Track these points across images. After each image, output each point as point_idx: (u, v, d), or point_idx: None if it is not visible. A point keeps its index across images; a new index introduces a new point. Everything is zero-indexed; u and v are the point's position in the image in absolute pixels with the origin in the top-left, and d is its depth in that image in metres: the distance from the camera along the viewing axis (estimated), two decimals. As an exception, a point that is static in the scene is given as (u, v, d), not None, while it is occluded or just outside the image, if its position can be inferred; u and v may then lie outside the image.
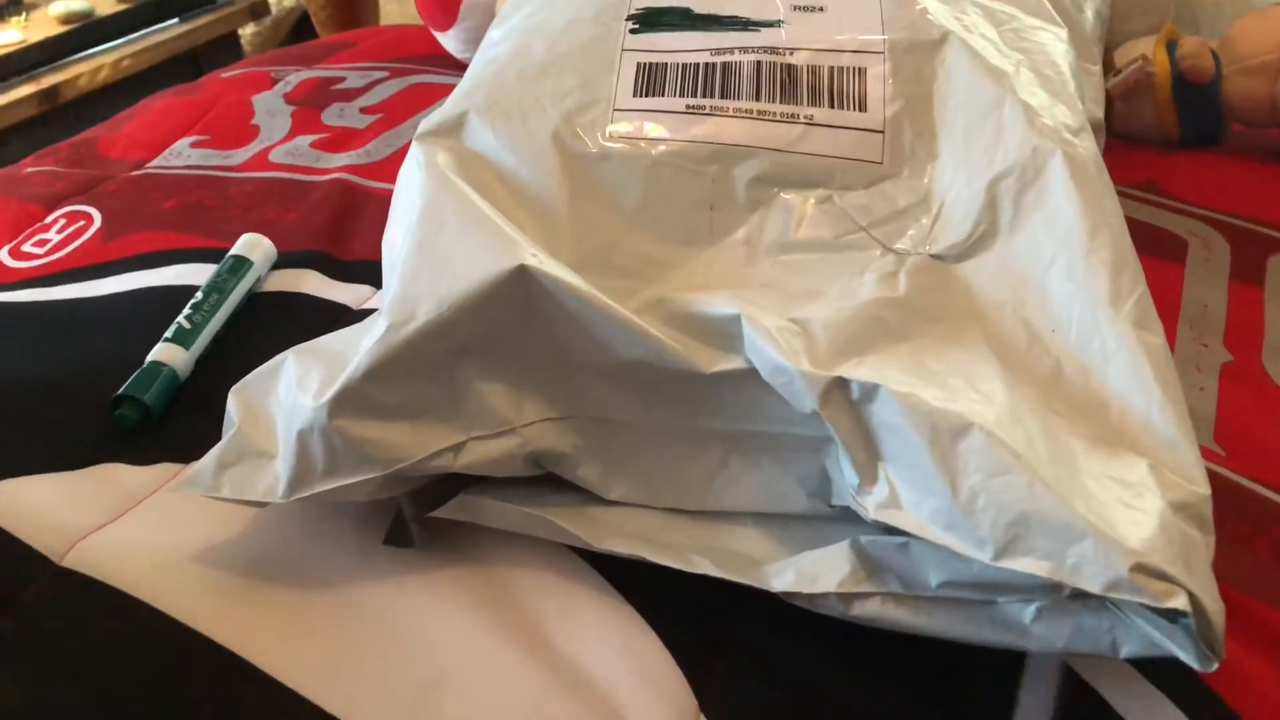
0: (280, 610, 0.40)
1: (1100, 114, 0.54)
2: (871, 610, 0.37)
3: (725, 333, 0.38)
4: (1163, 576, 0.31)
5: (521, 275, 0.37)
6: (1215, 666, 0.31)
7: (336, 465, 0.38)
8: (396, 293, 0.38)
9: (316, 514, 0.42)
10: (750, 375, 0.38)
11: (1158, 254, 0.61)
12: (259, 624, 0.39)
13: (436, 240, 0.39)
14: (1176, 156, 0.76)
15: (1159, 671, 0.37)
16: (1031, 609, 0.34)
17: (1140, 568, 0.31)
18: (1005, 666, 0.37)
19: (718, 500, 0.41)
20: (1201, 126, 0.77)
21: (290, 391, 0.38)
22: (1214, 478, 0.37)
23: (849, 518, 0.39)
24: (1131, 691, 0.37)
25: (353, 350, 0.37)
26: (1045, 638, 0.35)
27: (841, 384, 0.35)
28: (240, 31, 1.65)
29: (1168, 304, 0.57)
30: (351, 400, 0.37)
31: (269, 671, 0.37)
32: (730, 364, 0.38)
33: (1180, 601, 0.31)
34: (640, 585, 0.40)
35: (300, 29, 1.68)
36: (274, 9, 1.68)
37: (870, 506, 0.36)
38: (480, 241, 0.39)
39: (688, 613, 0.39)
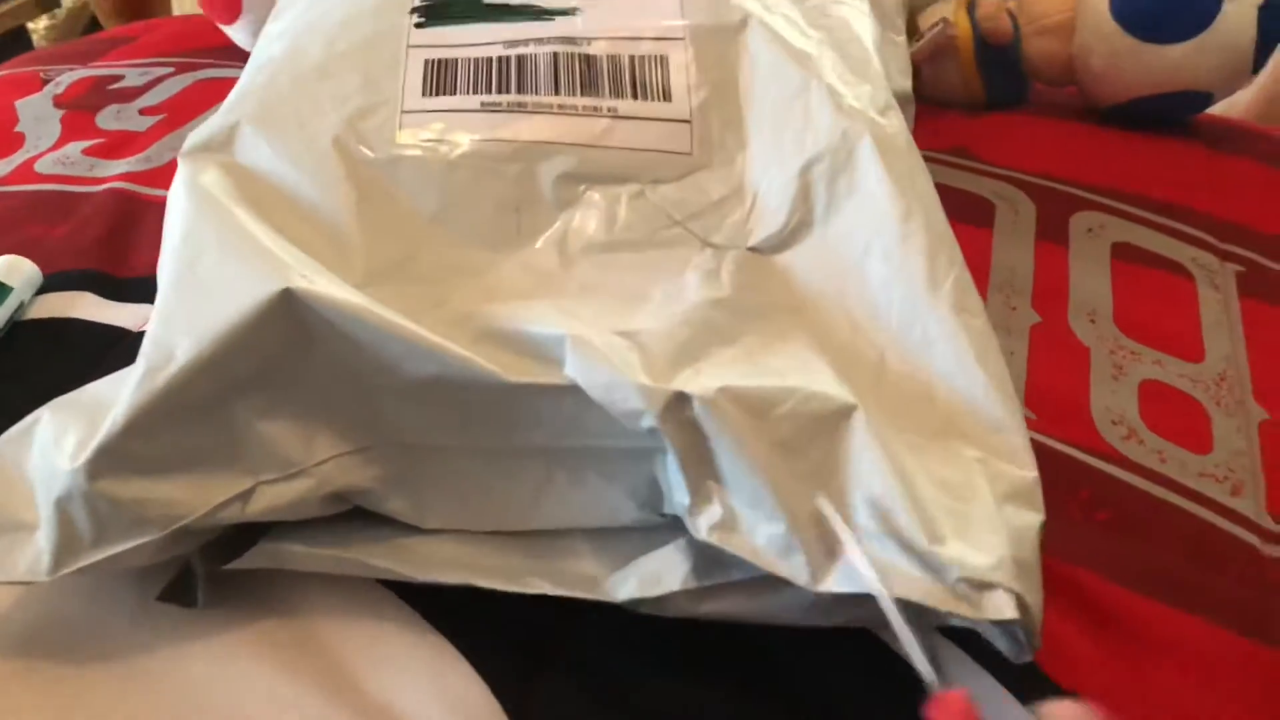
0: (59, 688, 0.36)
1: (908, 85, 0.54)
2: (725, 606, 0.35)
3: (545, 351, 0.36)
4: (989, 586, 0.31)
5: (288, 299, 0.34)
6: (1030, 658, 0.31)
7: (106, 532, 0.34)
8: (152, 333, 0.35)
9: (90, 578, 0.38)
10: (568, 390, 0.35)
11: (968, 219, 0.62)
12: (34, 708, 0.35)
13: (195, 270, 0.36)
14: (984, 119, 0.77)
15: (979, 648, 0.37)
16: None
17: (966, 582, 0.30)
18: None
19: (544, 518, 0.39)
20: (1005, 87, 0.78)
21: (46, 453, 0.34)
22: (1029, 444, 0.37)
23: (682, 525, 0.37)
24: (961, 671, 0.37)
25: (113, 400, 0.33)
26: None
27: (681, 398, 0.34)
28: (30, 26, 1.51)
29: (978, 269, 0.56)
30: (112, 458, 0.33)
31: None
32: (544, 378, 0.35)
33: (1009, 612, 0.30)
34: (450, 613, 0.38)
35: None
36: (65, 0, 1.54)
37: (703, 527, 0.34)
38: (242, 268, 0.35)
39: (502, 637, 0.37)
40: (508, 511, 0.39)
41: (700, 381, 0.34)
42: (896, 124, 0.44)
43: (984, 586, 0.30)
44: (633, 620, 0.36)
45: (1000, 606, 0.30)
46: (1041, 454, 0.36)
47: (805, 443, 0.34)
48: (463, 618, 0.38)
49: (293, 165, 0.40)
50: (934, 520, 0.31)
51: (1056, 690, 0.37)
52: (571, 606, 0.36)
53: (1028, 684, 0.36)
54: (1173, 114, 0.76)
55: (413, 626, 0.38)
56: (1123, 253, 0.61)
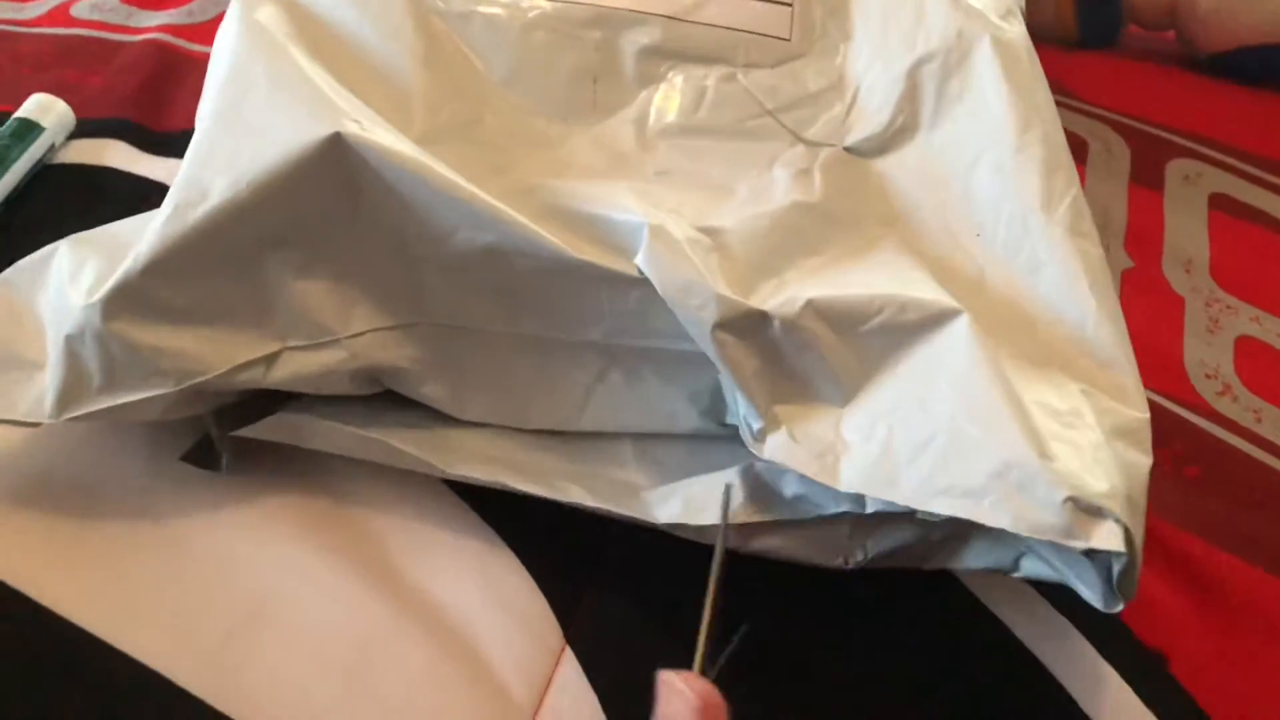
0: (61, 538, 0.33)
1: (1023, 3, 0.50)
2: (773, 544, 0.33)
3: (617, 237, 0.32)
4: (1098, 513, 0.27)
5: (338, 145, 0.30)
6: (1121, 608, 0.28)
7: (117, 378, 0.31)
8: (187, 169, 0.31)
9: (103, 426, 0.36)
10: (637, 283, 0.32)
11: (1060, 155, 0.58)
12: (36, 554, 0.33)
13: (241, 107, 0.32)
14: (1078, 56, 0.73)
15: (1062, 598, 0.35)
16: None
17: (1074, 504, 0.27)
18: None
19: (594, 420, 0.36)
20: (1100, 27, 0.74)
21: (61, 288, 0.31)
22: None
23: (735, 452, 0.34)
24: (1036, 618, 0.35)
25: (138, 239, 0.30)
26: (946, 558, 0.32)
27: (762, 317, 0.30)
28: None
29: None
30: (131, 299, 0.30)
31: (51, 607, 0.31)
32: (613, 264, 0.32)
33: (1116, 541, 0.27)
34: (502, 508, 0.35)
35: None
36: None
37: (770, 446, 0.31)
38: (292, 108, 0.32)
39: (556, 539, 0.35)
40: (555, 409, 0.36)
41: (785, 293, 0.31)
42: (1018, 30, 0.40)
43: (1094, 513, 0.27)
44: (686, 542, 0.34)
45: (1111, 537, 0.27)
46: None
47: (902, 354, 0.31)
48: (515, 515, 0.35)
49: (357, 9, 0.36)
50: (1041, 438, 0.28)
51: (1144, 650, 0.34)
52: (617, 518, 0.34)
53: (1115, 645, 0.34)
54: (1275, 68, 0.72)
55: (461, 516, 0.36)
56: (1220, 204, 0.57)
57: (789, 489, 0.33)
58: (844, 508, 0.31)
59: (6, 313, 0.33)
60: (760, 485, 0.33)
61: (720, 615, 0.29)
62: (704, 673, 0.27)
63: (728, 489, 0.33)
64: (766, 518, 0.33)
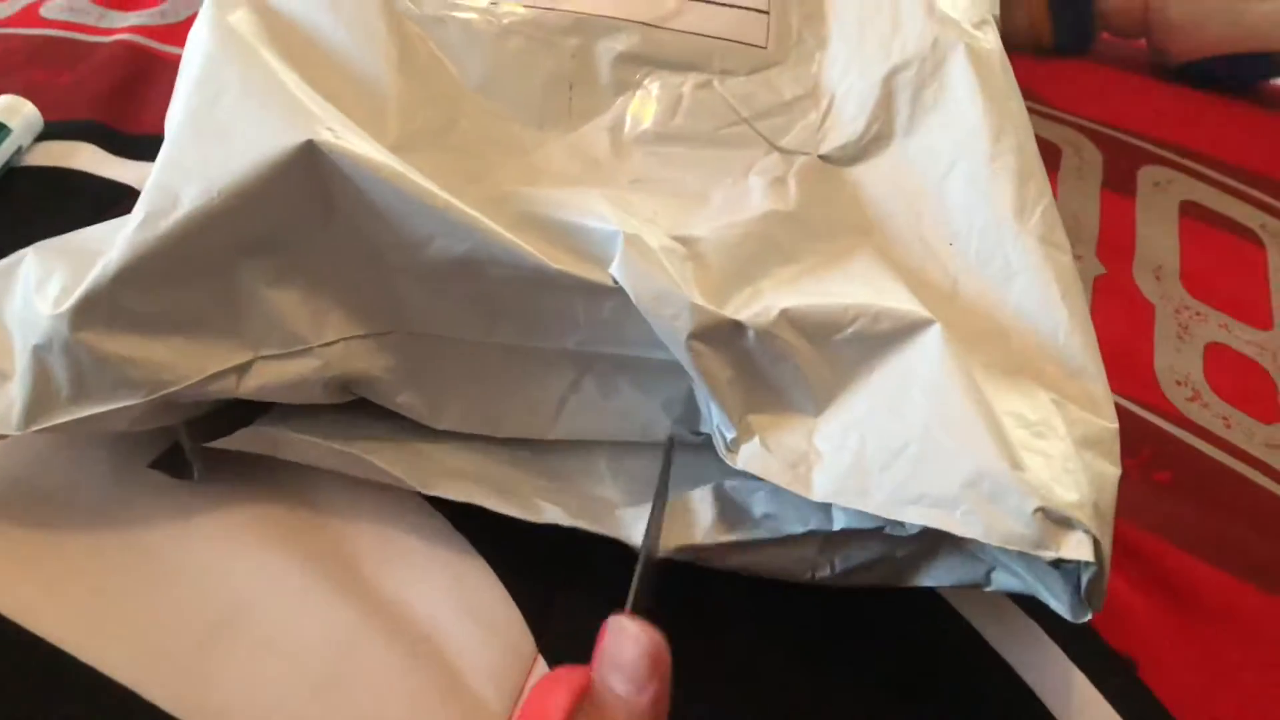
0: (27, 550, 0.33)
1: (996, 12, 0.50)
2: (740, 562, 0.33)
3: (591, 246, 0.32)
4: (1067, 523, 0.27)
5: (311, 153, 0.30)
6: (1089, 617, 0.28)
7: (85, 389, 0.30)
8: (158, 176, 0.31)
9: (71, 436, 0.35)
10: (611, 293, 0.32)
11: (1033, 162, 0.58)
12: (1, 566, 0.32)
13: (211, 113, 0.32)
14: (1050, 64, 0.73)
15: (1031, 602, 0.34)
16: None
17: (1045, 514, 0.27)
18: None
19: (568, 428, 0.36)
20: (1073, 33, 0.75)
21: (28, 298, 0.31)
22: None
23: (708, 469, 0.34)
24: (1005, 621, 0.35)
25: (106, 247, 0.30)
26: (915, 575, 0.32)
27: (736, 327, 0.30)
28: None
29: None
30: (100, 308, 0.30)
31: (18, 620, 0.31)
32: (588, 273, 0.32)
33: (1085, 551, 0.27)
34: (474, 517, 0.35)
35: None
36: None
37: (743, 456, 0.31)
38: (265, 114, 0.31)
39: (528, 547, 0.35)
40: (529, 418, 0.36)
41: (760, 303, 0.31)
42: (992, 40, 0.40)
43: (1063, 523, 0.27)
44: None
45: (1080, 547, 0.27)
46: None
47: (875, 364, 0.31)
48: (487, 524, 0.35)
49: (331, 12, 0.36)
50: (1013, 448, 0.28)
51: (1113, 654, 0.35)
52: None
53: (1083, 649, 0.34)
54: (1245, 77, 0.73)
55: (434, 525, 0.35)
56: (1191, 211, 0.58)
57: (758, 508, 0.33)
58: (812, 527, 0.32)
59: (-26, 322, 0.32)
60: (729, 504, 0.33)
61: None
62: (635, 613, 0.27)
63: (670, 440, 0.33)
64: (735, 537, 0.33)
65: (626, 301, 0.31)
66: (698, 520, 0.33)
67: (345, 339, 0.33)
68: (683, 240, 0.33)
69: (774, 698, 0.33)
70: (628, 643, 0.25)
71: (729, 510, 0.33)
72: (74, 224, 0.35)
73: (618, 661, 0.25)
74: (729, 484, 0.34)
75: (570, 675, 0.24)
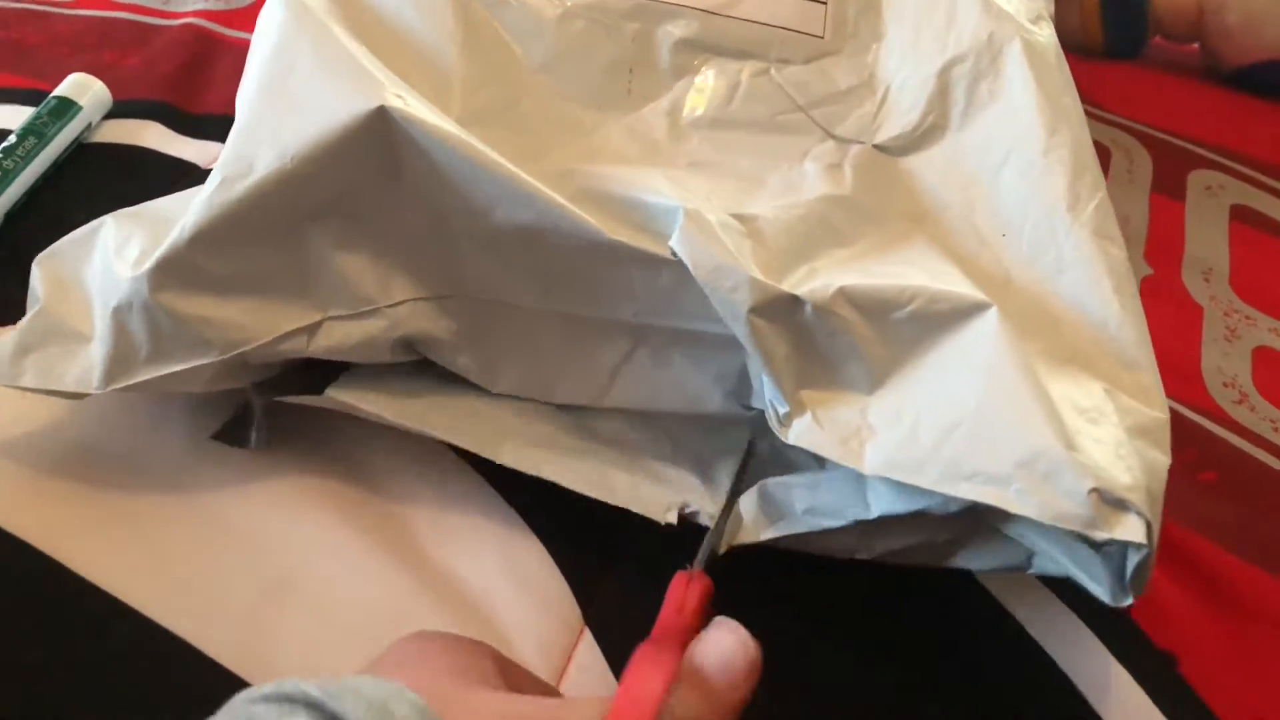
0: (98, 510, 0.34)
1: (1051, 10, 0.50)
2: (786, 542, 0.34)
3: (651, 220, 0.33)
4: (1122, 505, 0.27)
5: (381, 119, 0.31)
6: (1129, 602, 0.28)
7: (164, 349, 0.31)
8: (232, 144, 0.32)
9: (142, 401, 0.36)
10: (668, 264, 0.32)
11: (1082, 164, 0.58)
12: (73, 525, 0.33)
13: (285, 82, 0.33)
14: (1101, 66, 0.73)
15: (1075, 597, 0.35)
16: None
17: (1099, 495, 0.27)
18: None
19: (621, 397, 0.36)
20: (1125, 37, 0.74)
21: (108, 261, 0.32)
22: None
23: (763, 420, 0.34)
24: (1049, 617, 0.35)
25: (181, 215, 0.31)
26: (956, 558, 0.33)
27: (793, 301, 0.31)
28: None
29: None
30: (178, 270, 0.30)
31: (86, 576, 0.32)
32: (644, 244, 0.32)
33: (1139, 534, 0.27)
34: (526, 491, 0.36)
35: None
36: None
37: (795, 431, 0.31)
38: (336, 83, 0.32)
39: (578, 522, 0.35)
40: (582, 385, 0.36)
41: (817, 280, 0.31)
42: (1048, 35, 0.40)
43: (1118, 505, 0.27)
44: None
45: (1134, 529, 0.27)
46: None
47: (931, 343, 0.31)
48: (539, 499, 0.36)
49: (398, -9, 0.37)
50: (1068, 430, 0.28)
51: (1154, 650, 0.35)
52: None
53: (1125, 644, 0.34)
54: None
55: (486, 499, 0.36)
56: (1241, 215, 0.57)
57: (800, 503, 0.33)
58: (854, 518, 0.32)
59: (54, 285, 0.33)
60: (770, 501, 0.34)
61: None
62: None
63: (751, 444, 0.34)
64: (776, 534, 0.33)
65: (683, 274, 0.31)
66: (740, 519, 0.34)
67: (411, 300, 0.34)
68: (740, 218, 0.33)
69: (813, 687, 0.33)
70: (738, 647, 0.26)
71: (770, 507, 0.34)
72: (142, 198, 0.36)
73: (724, 660, 0.25)
74: (770, 481, 0.34)
75: (665, 659, 0.25)
